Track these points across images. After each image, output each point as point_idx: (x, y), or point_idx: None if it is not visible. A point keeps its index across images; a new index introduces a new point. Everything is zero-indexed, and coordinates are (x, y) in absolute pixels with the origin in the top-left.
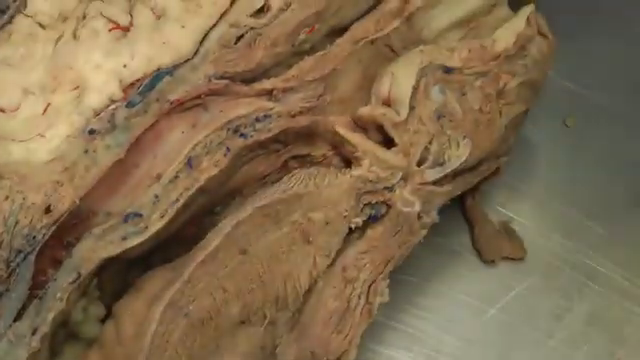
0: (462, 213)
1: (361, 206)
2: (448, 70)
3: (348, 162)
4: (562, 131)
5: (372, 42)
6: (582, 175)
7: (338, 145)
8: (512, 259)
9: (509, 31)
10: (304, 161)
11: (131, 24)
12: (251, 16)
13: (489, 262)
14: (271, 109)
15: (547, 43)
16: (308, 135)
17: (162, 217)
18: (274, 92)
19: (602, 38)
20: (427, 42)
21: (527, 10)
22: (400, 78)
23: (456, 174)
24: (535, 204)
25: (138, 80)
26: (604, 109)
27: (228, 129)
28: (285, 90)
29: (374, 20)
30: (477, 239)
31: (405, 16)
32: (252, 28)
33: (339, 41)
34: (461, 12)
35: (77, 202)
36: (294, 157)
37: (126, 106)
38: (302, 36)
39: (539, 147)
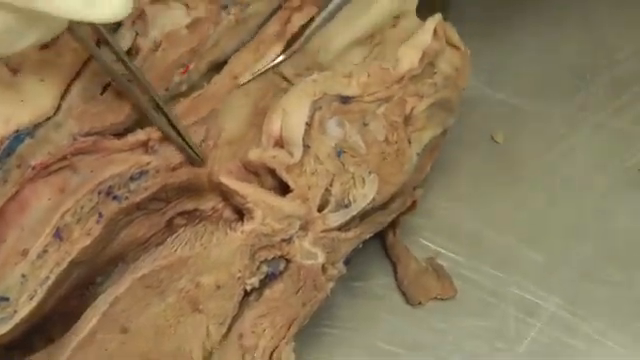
0: (383, 251)
1: (257, 264)
2: (345, 99)
3: (242, 213)
4: (490, 148)
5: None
6: (515, 198)
7: (228, 196)
8: (442, 299)
9: (413, 47)
10: (191, 217)
11: None
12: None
13: (416, 304)
14: (148, 164)
15: (459, 55)
16: (192, 189)
17: (31, 299)
18: (150, 143)
19: (527, 37)
20: (325, 65)
21: (433, 21)
22: (291, 114)
23: (364, 215)
24: (464, 234)
25: None
26: (536, 119)
27: (99, 192)
28: (162, 139)
29: (253, 48)
30: (401, 280)
31: (288, 39)
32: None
33: (216, 78)
34: (361, 28)
35: None
36: (180, 214)
37: None
38: (177, 78)
39: (464, 169)
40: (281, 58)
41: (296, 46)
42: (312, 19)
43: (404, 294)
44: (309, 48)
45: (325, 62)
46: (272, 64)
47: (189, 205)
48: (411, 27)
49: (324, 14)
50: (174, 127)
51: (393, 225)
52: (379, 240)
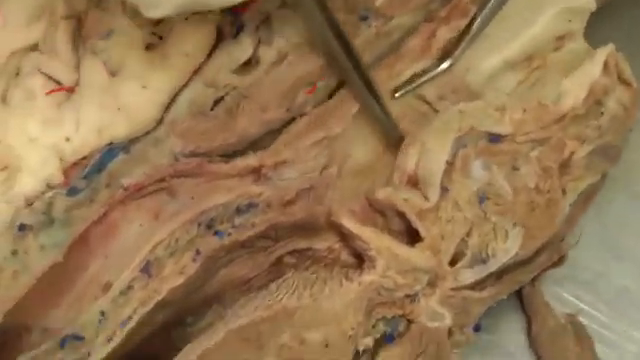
0: (519, 301)
1: (373, 322)
2: (495, 138)
3: (361, 258)
4: None
5: (394, 92)
6: None
7: (347, 238)
8: None
9: (579, 82)
10: (303, 257)
11: (77, 83)
12: (234, 72)
13: None
14: (259, 195)
15: (630, 93)
16: (307, 227)
17: (109, 341)
18: (262, 171)
19: None
20: (473, 89)
21: (604, 52)
22: (431, 150)
23: (503, 272)
24: (612, 292)
25: (84, 158)
26: None
27: (199, 224)
28: (277, 166)
29: (389, 65)
30: (536, 337)
31: (435, 56)
32: (234, 88)
33: (343, 90)
34: (517, 48)
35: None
36: (290, 252)
37: (67, 194)
38: (301, 97)
39: (622, 219)
40: (445, 65)
41: (458, 52)
42: (465, 32)
43: (537, 354)
44: (456, 68)
45: (474, 85)
46: (427, 77)
47: (302, 244)
48: (577, 51)
49: (478, 23)
50: (375, 95)
51: None
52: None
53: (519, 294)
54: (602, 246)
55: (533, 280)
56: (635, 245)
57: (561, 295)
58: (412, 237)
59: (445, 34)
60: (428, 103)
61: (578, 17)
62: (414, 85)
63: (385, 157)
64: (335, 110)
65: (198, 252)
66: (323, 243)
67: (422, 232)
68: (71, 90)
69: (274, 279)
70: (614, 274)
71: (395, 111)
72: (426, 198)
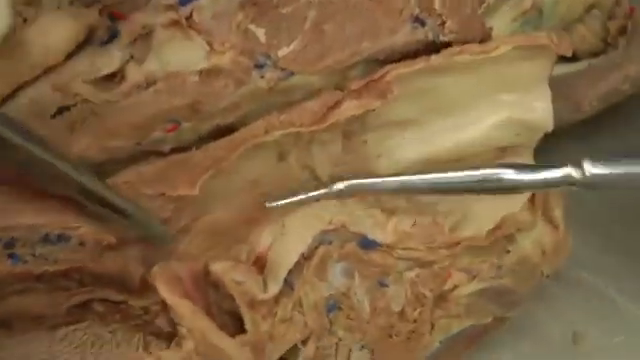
0: None
1: None
2: (368, 244)
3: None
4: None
5: (281, 157)
6: None
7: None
8: None
9: (491, 210)
10: (114, 309)
11: None
12: (91, 83)
13: None
14: (75, 228)
15: (554, 237)
16: (118, 281)
17: None
18: None
19: None
20: None
21: None
22: (288, 235)
23: None
24: None
25: None
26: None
27: None
28: None
29: (284, 119)
30: None
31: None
32: (85, 101)
33: (214, 143)
34: (447, 146)
35: None
36: (101, 300)
37: None
38: (158, 134)
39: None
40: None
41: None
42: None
43: None
44: (366, 149)
45: (380, 173)
46: (306, 196)
47: (115, 296)
48: None
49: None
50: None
51: None
52: None
53: None
54: None
55: None
56: None
57: None
58: (237, 330)
59: (350, 109)
60: (316, 178)
61: (529, 133)
62: (289, 200)
63: (248, 225)
64: (190, 167)
65: None
66: (140, 301)
67: (247, 324)
68: None
69: (72, 323)
70: None
71: (274, 176)
72: (264, 288)
